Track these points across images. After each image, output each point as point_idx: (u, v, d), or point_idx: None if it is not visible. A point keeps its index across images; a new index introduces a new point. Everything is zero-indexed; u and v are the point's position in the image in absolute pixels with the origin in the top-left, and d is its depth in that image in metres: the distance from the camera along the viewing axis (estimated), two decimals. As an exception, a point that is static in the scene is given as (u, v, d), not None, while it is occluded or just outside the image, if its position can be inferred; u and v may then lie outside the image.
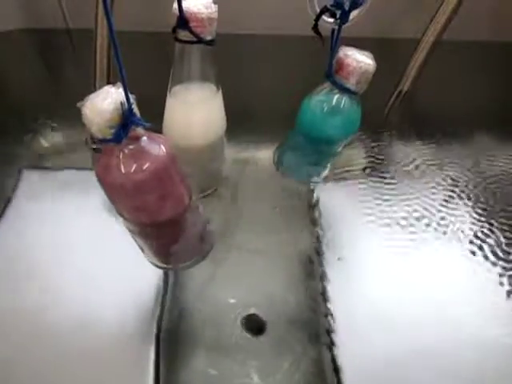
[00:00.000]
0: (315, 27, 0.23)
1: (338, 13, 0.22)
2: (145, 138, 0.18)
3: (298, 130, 0.31)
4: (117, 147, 0.17)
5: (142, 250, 0.26)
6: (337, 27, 0.23)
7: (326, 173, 0.35)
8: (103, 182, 0.18)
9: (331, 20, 0.23)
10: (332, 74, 0.26)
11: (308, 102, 0.29)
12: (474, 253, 0.32)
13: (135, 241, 0.24)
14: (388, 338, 0.27)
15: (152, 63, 0.44)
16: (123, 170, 0.17)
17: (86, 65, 0.38)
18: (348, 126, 0.29)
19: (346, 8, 0.22)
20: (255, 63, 0.49)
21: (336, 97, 0.27)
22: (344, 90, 0.26)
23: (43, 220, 0.32)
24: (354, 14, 0.22)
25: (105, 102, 0.15)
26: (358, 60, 0.24)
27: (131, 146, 0.17)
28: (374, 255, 0.32)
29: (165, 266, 0.27)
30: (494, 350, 0.27)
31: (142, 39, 0.47)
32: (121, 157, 0.17)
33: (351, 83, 0.25)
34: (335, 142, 0.30)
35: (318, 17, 0.23)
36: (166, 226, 0.22)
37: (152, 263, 0.27)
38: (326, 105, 0.28)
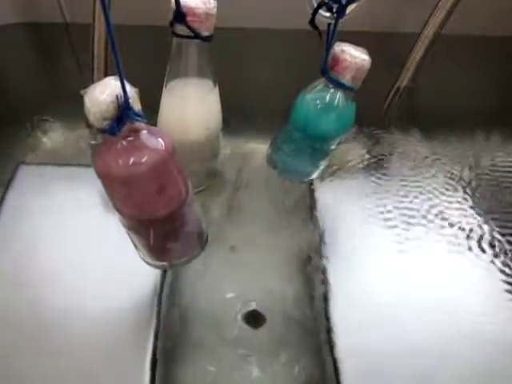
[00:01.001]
0: (312, 21, 0.23)
1: (335, 7, 0.22)
2: (144, 131, 0.18)
3: (291, 127, 0.31)
4: (116, 139, 0.17)
5: (137, 248, 0.26)
6: (333, 21, 0.23)
7: (320, 170, 0.35)
8: (101, 174, 0.18)
9: (328, 14, 0.23)
10: (327, 69, 0.26)
11: (302, 98, 0.29)
12: (473, 250, 0.33)
13: (130, 238, 0.24)
14: (387, 334, 0.28)
15: (149, 57, 0.44)
16: (121, 163, 0.17)
17: (84, 59, 0.38)
18: (342, 122, 0.28)
19: (343, 2, 0.22)
20: (252, 58, 0.48)
21: (330, 93, 0.27)
22: (339, 85, 0.26)
23: (40, 216, 0.32)
24: (350, 7, 0.22)
25: (103, 94, 0.15)
26: (354, 55, 0.24)
27: (130, 139, 0.17)
28: (373, 252, 0.32)
29: (159, 263, 0.27)
30: (493, 347, 0.28)
31: (139, 33, 0.47)
32: (119, 149, 0.17)
33: (347, 79, 0.25)
34: (329, 139, 0.30)
35: (316, 11, 0.23)
36: (163, 221, 0.22)
37: (146, 262, 0.27)
38: (320, 101, 0.27)
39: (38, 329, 0.26)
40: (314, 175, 0.35)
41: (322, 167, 0.34)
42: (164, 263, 0.27)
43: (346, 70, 0.25)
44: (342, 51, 0.24)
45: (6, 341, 0.26)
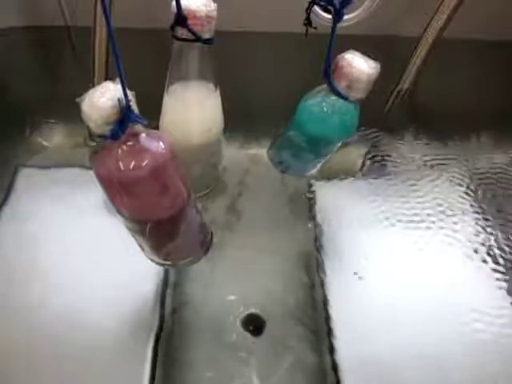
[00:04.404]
0: (307, 19, 0.23)
1: (332, 9, 0.22)
2: (144, 134, 0.18)
3: (294, 130, 0.31)
4: (115, 144, 0.17)
5: (142, 248, 0.26)
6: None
7: (320, 166, 0.35)
8: (102, 179, 0.18)
9: (329, 17, 0.23)
10: (329, 73, 0.25)
11: (305, 102, 0.29)
12: (475, 253, 0.32)
13: (134, 239, 0.25)
14: (388, 338, 0.28)
15: (150, 61, 0.44)
16: (122, 167, 0.17)
17: (85, 62, 0.38)
18: (345, 127, 0.28)
19: (337, 5, 0.22)
20: (254, 61, 0.49)
21: (334, 98, 0.26)
22: (334, 91, 0.25)
23: (41, 218, 0.32)
24: (357, 12, 0.22)
25: (102, 99, 0.15)
26: (352, 65, 0.24)
27: (130, 143, 0.17)
28: (373, 254, 0.32)
29: (164, 263, 0.27)
30: (495, 351, 0.27)
31: (140, 36, 0.47)
32: (119, 153, 0.17)
33: (341, 86, 0.25)
34: (331, 143, 0.30)
35: (308, 9, 0.23)
36: (165, 224, 0.22)
37: (152, 260, 0.27)
38: (323, 106, 0.27)
39: (38, 332, 0.26)
40: (313, 170, 0.35)
41: (321, 163, 0.34)
42: (169, 263, 0.27)
43: (342, 78, 0.24)
44: (343, 58, 0.24)
45: (6, 345, 0.26)
